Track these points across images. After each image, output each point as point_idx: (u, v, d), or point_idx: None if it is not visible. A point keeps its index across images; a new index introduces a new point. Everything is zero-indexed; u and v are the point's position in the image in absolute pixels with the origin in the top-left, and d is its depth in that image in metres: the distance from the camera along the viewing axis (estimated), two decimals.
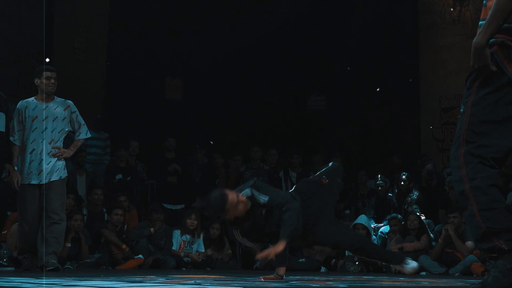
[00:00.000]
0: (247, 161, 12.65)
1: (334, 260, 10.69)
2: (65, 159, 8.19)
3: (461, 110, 3.80)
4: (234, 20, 15.30)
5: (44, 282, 4.66)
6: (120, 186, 11.54)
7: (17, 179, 7.84)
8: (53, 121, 8.05)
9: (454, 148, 3.76)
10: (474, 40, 3.64)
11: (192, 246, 10.70)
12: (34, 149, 7.97)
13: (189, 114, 15.08)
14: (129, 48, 14.50)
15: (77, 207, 10.51)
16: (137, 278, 5.69)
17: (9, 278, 5.45)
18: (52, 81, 8.05)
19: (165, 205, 11.51)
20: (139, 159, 12.57)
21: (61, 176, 8.08)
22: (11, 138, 7.97)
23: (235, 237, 6.19)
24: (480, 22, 3.72)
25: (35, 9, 13.25)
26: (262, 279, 5.99)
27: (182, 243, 10.64)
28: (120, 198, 10.84)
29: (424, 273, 9.60)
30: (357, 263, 10.23)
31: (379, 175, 12.31)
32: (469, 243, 9.65)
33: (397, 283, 5.96)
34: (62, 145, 8.12)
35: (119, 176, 11.72)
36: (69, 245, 9.65)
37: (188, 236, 10.69)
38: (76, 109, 8.26)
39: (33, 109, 8.00)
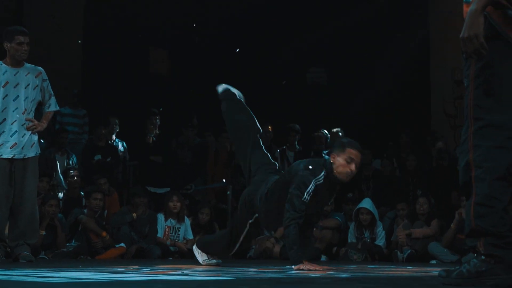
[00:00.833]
0: None
1: (335, 248, 10.72)
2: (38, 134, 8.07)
3: (465, 85, 3.79)
4: None
5: (16, 274, 4.66)
6: (99, 168, 11.53)
7: None
8: (25, 88, 7.86)
9: (464, 129, 3.76)
10: (470, 8, 3.64)
11: (178, 233, 10.70)
12: (5, 119, 7.76)
13: (176, 89, 15.03)
14: (108, 15, 14.43)
15: (52, 191, 10.50)
16: (119, 269, 5.69)
17: None
18: (25, 47, 7.81)
19: (149, 188, 11.50)
20: (120, 138, 12.54)
21: (36, 153, 7.98)
22: None
23: None
24: None
25: None
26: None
27: (167, 229, 10.64)
28: (99, 180, 10.83)
29: (434, 261, 9.64)
30: (360, 249, 10.28)
31: (385, 155, 12.33)
32: None
33: (404, 273, 5.98)
34: (33, 117, 8.02)
35: (98, 157, 11.71)
36: (44, 233, 9.64)
37: (173, 221, 10.68)
38: (47, 77, 8.09)
39: (3, 74, 7.81)
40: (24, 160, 7.82)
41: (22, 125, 7.83)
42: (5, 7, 13.31)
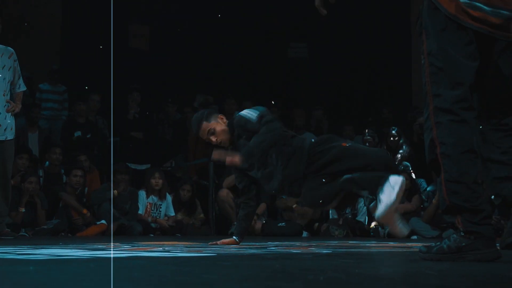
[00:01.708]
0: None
1: (317, 224, 10.77)
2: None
3: (422, 62, 3.81)
4: None
5: None
6: (80, 144, 11.50)
7: None
8: (2, 69, 7.93)
9: (425, 108, 3.78)
10: None
11: (160, 210, 10.71)
12: None
13: (157, 65, 14.99)
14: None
15: (32, 168, 10.47)
16: (100, 246, 5.69)
17: None
18: None
19: (130, 165, 11.48)
20: (100, 114, 12.51)
21: (14, 135, 8.02)
22: None
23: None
24: None
25: None
26: (218, 243, 6.09)
27: (149, 206, 10.65)
28: (79, 157, 10.82)
29: (415, 236, 9.70)
30: (341, 225, 10.33)
31: (367, 130, 12.34)
32: None
33: (386, 249, 6.01)
34: (9, 98, 8.03)
35: (78, 133, 11.68)
36: (23, 210, 9.65)
37: (154, 198, 10.70)
38: (16, 57, 8.13)
39: None
40: (5, 142, 7.88)
41: (4, 107, 7.86)
42: None
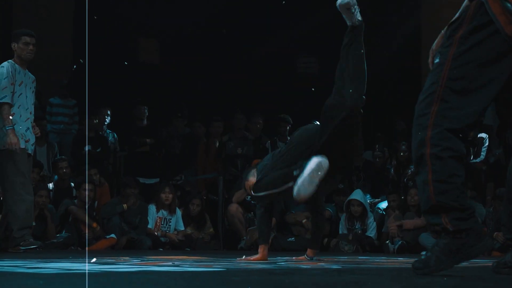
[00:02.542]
0: (230, 130, 12.63)
1: (326, 239, 10.74)
2: None
3: (437, 61, 3.77)
4: None
5: (5, 265, 4.67)
6: (90, 158, 11.51)
7: (17, 142, 7.79)
8: (30, 90, 8.25)
9: (425, 103, 3.75)
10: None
11: (169, 224, 10.71)
12: (21, 115, 8.06)
13: (167, 79, 15.00)
14: (99, 4, 14.39)
15: (42, 182, 10.49)
16: (109, 260, 5.70)
17: None
18: (31, 47, 8.13)
19: (139, 179, 11.48)
20: (110, 128, 12.52)
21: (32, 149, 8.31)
22: (5, 99, 7.87)
23: None
24: None
25: None
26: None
27: (158, 220, 10.65)
28: (89, 171, 10.82)
29: (425, 252, 9.66)
30: (351, 241, 10.31)
31: (377, 145, 12.33)
32: None
33: (395, 265, 6.01)
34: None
35: (88, 147, 11.69)
36: (33, 223, 9.65)
37: (164, 212, 10.69)
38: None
39: (18, 73, 8.09)
40: (31, 155, 8.28)
41: (30, 123, 8.19)
42: None
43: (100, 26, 14.29)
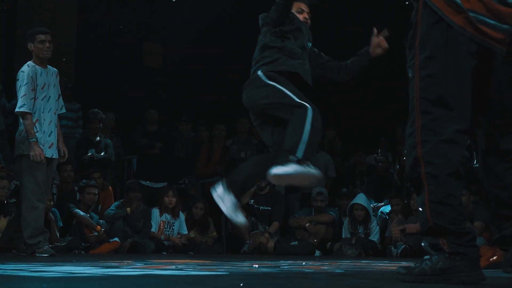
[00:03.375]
0: (234, 134, 12.64)
1: (329, 243, 10.75)
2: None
3: (410, 75, 3.67)
4: None
5: (10, 268, 4.67)
6: (93, 162, 11.51)
7: (41, 152, 7.71)
8: (54, 87, 8.11)
9: (409, 123, 3.63)
10: None
11: (173, 228, 10.71)
12: (44, 119, 7.97)
13: (171, 83, 15.01)
14: (102, 8, 14.41)
15: None
16: (113, 263, 5.70)
17: None
18: (47, 44, 8.00)
19: (145, 182, 11.48)
20: (114, 132, 12.52)
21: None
22: (23, 108, 7.78)
23: None
24: None
25: None
26: None
27: (162, 224, 10.65)
28: (93, 175, 10.82)
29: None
30: (354, 244, 10.31)
31: (379, 150, 12.33)
32: (478, 224, 9.64)
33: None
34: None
35: (91, 151, 11.68)
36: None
37: (168, 216, 10.70)
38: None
39: (40, 75, 7.97)
40: (54, 159, 8.10)
41: (55, 126, 8.10)
42: None
43: (104, 30, 14.35)
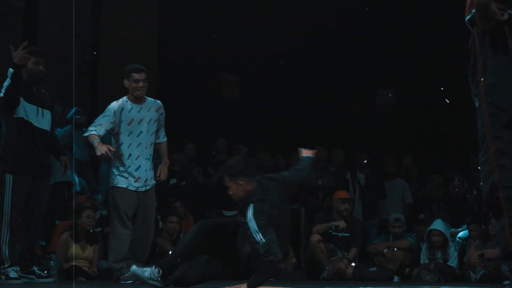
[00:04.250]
0: None
1: (408, 269, 10.68)
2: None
3: (476, 104, 3.67)
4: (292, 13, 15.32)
5: None
6: (175, 191, 11.64)
7: (107, 148, 7.71)
8: (148, 123, 8.21)
9: (483, 151, 3.62)
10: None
11: None
12: (130, 154, 8.13)
13: (248, 113, 15.13)
14: (180, 45, 14.64)
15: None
16: None
17: None
18: (141, 84, 8.12)
19: (224, 212, 11.57)
20: (194, 161, 12.66)
21: (154, 182, 8.39)
22: (92, 129, 7.92)
23: None
24: None
25: (82, 8, 13.54)
26: None
27: None
28: (174, 204, 10.94)
29: (507, 282, 9.53)
30: (432, 270, 10.24)
31: (456, 176, 12.24)
32: None
33: None
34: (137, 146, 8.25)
35: (173, 181, 11.81)
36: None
37: None
38: (163, 111, 8.45)
39: (129, 112, 8.11)
40: (148, 191, 8.26)
41: (147, 160, 8.22)
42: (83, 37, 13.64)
43: (181, 63, 14.58)
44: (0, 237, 7.70)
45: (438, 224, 10.64)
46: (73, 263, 9.16)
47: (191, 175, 12.22)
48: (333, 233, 10.91)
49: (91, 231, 9.64)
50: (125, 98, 8.18)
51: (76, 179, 11.37)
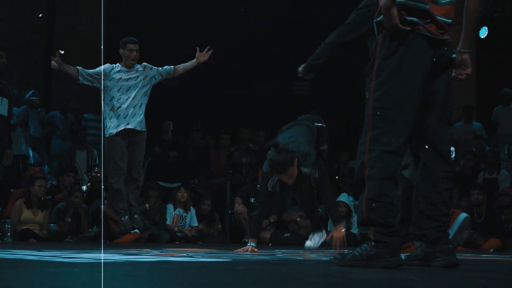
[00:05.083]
0: (236, 142, 12.65)
1: None
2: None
3: (366, 97, 3.81)
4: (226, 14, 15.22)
5: (46, 255, 4.65)
6: None
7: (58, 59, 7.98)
8: (141, 88, 8.48)
9: (362, 135, 3.77)
10: (382, 2, 3.67)
11: (185, 221, 10.69)
12: (120, 106, 8.32)
13: (184, 99, 15.02)
14: (126, 35, 14.41)
15: (77, 185, 10.50)
16: (133, 251, 5.68)
17: (11, 250, 5.45)
18: (134, 53, 8.30)
19: (161, 183, 11.50)
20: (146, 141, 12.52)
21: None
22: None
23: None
24: None
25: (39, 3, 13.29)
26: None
27: (175, 217, 10.63)
28: None
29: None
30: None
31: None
32: None
33: None
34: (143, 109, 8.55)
35: None
36: (69, 220, 9.66)
37: (180, 211, 10.68)
38: (150, 65, 8.58)
39: (118, 72, 8.30)
40: (141, 133, 8.71)
41: (140, 107, 8.53)
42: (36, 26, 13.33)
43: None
44: None
45: (343, 197, 10.71)
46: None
47: None
48: (255, 203, 10.89)
49: (42, 198, 9.47)
50: (117, 64, 8.38)
51: (30, 153, 11.18)
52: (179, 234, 10.47)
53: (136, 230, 10.01)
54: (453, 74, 3.97)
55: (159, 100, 14.53)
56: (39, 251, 5.31)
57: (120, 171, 8.40)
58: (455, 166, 11.62)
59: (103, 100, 8.38)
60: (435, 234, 3.88)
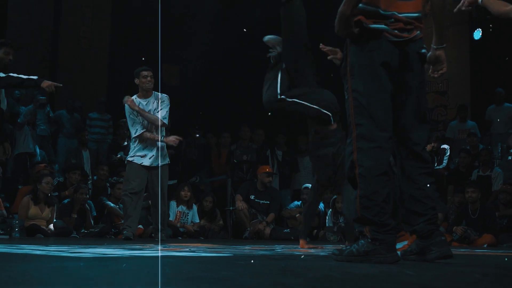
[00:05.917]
0: (236, 140, 12.65)
1: (315, 230, 10.73)
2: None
3: (346, 97, 3.82)
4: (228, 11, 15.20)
5: (52, 249, 4.66)
6: (122, 163, 11.51)
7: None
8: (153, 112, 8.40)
9: (349, 135, 3.77)
10: (339, 9, 3.69)
11: (187, 217, 10.70)
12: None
13: (186, 98, 15.01)
14: (129, 36, 14.41)
15: (83, 182, 10.51)
16: (137, 246, 5.69)
17: (19, 245, 5.45)
18: (148, 78, 8.35)
19: None
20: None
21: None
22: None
23: None
24: None
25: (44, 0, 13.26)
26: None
27: (178, 214, 10.64)
28: (122, 173, 10.81)
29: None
30: (336, 232, 10.29)
31: None
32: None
33: None
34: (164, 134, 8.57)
35: (120, 153, 11.69)
36: (75, 216, 9.67)
37: (183, 207, 10.69)
38: (165, 100, 8.60)
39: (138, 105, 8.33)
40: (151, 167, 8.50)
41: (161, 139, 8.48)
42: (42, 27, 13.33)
43: (128, 55, 14.33)
44: None
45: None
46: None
47: None
48: (256, 200, 10.90)
49: (49, 195, 9.48)
50: (135, 95, 8.43)
51: (37, 151, 11.19)
52: (181, 229, 10.47)
53: (140, 226, 10.04)
54: (429, 71, 4.00)
55: None
56: (46, 246, 5.32)
57: (131, 190, 8.31)
58: (450, 164, 11.67)
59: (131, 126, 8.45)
60: (426, 228, 3.88)
